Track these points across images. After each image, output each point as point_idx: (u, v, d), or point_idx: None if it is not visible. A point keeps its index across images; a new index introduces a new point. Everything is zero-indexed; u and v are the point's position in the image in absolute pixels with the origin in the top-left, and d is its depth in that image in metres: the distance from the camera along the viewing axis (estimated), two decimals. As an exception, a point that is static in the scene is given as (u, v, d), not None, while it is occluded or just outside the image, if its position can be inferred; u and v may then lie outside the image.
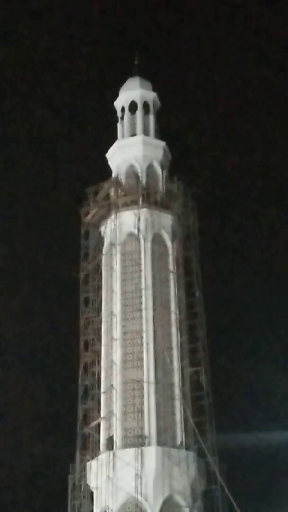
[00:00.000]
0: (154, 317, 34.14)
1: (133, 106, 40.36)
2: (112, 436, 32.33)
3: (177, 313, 34.95)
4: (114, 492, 30.60)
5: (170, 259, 36.19)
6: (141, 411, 32.11)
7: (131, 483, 30.39)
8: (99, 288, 36.16)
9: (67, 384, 41.06)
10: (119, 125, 40.72)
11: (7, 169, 58.59)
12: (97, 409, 33.54)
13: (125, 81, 41.43)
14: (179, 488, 30.98)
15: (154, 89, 41.21)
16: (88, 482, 32.14)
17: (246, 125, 60.50)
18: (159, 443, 31.61)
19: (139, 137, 39.02)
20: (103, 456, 31.61)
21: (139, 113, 40.10)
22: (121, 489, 30.65)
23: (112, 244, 36.17)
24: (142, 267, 35.21)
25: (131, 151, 38.53)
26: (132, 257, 35.72)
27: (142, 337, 33.66)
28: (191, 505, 31.07)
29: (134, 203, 36.66)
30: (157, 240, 36.31)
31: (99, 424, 33.30)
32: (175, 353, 34.04)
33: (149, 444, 31.41)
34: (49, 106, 61.20)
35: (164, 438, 32.07)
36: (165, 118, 42.70)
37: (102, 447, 32.70)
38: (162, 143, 39.26)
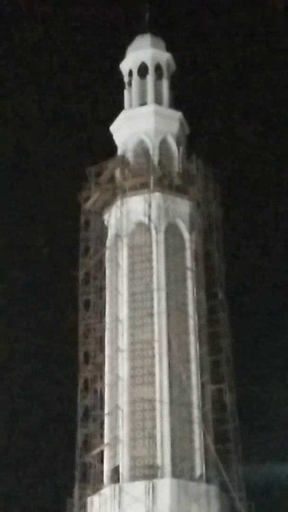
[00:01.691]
0: (168, 323, 34.22)
1: (143, 69, 40.44)
2: (118, 466, 32.47)
3: (196, 319, 35.03)
4: (120, 534, 30.78)
5: (188, 253, 36.26)
6: (152, 437, 32.23)
7: (141, 522, 30.52)
8: (102, 288, 36.28)
9: (64, 404, 41.28)
10: (126, 92, 40.77)
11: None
12: (99, 434, 33.69)
13: (133, 39, 41.44)
14: (198, 529, 31.09)
15: (168, 49, 41.22)
16: (89, 521, 32.30)
17: (277, 85, 60.40)
18: (174, 475, 31.71)
19: (151, 107, 39.06)
20: (107, 490, 31.75)
21: (150, 78, 40.15)
22: (128, 529, 30.82)
23: (117, 236, 36.26)
24: (154, 263, 35.29)
25: (141, 124, 38.59)
26: (141, 251, 35.80)
27: (153, 348, 33.77)
28: None
29: (144, 186, 36.74)
30: (171, 231, 36.38)
31: (102, 452, 33.45)
32: (194, 367, 34.16)
33: (162, 477, 31.51)
34: (43, 71, 61.31)
35: (181, 469, 32.19)
36: (182, 84, 42.79)
37: (105, 479, 32.86)
38: (178, 114, 39.30)
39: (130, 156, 38.13)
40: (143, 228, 36.05)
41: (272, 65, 60.52)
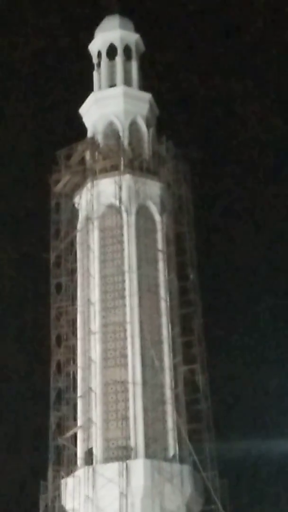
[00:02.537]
0: (140, 305, 34.25)
1: (112, 51, 40.21)
2: (91, 448, 32.54)
3: (168, 300, 35.09)
4: (94, 515, 30.86)
5: (159, 235, 36.25)
6: (125, 418, 32.31)
7: (115, 503, 30.64)
8: (74, 271, 36.18)
9: (37, 387, 41.23)
10: (95, 73, 40.54)
11: None
12: (73, 416, 33.67)
13: (101, 20, 41.13)
14: (172, 508, 31.29)
15: (136, 30, 40.97)
16: (63, 503, 32.37)
17: (245, 68, 60.41)
18: (148, 455, 31.85)
19: (120, 88, 38.89)
20: (81, 472, 31.83)
21: (119, 59, 39.97)
22: (102, 510, 30.94)
23: (88, 219, 36.13)
24: (125, 245, 35.25)
25: (110, 105, 38.42)
26: (112, 233, 35.74)
27: (125, 330, 33.80)
28: (186, 528, 31.44)
29: (114, 168, 36.62)
30: (142, 213, 36.33)
31: (75, 434, 33.47)
32: (166, 348, 34.22)
33: (136, 457, 31.64)
34: (11, 53, 60.58)
35: (154, 450, 32.31)
36: (150, 65, 42.59)
37: (79, 461, 32.92)
38: (148, 95, 39.17)
39: (100, 138, 37.96)
40: (114, 210, 35.97)
41: (244, 44, 60.57)
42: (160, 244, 36.09)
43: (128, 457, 31.55)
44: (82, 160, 37.57)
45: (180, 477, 31.67)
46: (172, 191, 37.43)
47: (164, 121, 40.73)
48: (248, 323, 52.23)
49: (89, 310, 34.58)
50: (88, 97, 39.21)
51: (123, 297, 34.31)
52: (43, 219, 37.91)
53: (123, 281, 34.61)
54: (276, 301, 52.42)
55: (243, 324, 52.09)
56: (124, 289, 34.48)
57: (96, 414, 32.67)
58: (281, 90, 58.44)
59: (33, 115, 59.15)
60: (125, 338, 33.66)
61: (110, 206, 36.08)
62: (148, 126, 38.70)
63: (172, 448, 32.76)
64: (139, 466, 31.18)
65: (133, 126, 38.34)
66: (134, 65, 40.29)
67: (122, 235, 35.55)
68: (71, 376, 34.21)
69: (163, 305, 34.97)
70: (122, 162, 36.48)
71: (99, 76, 40.29)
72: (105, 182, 36.30)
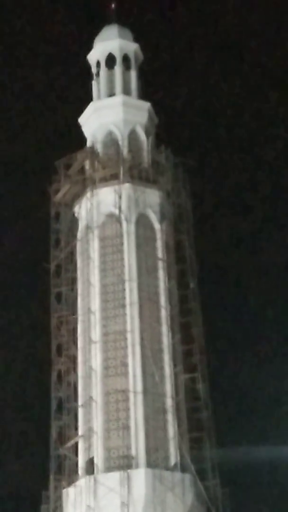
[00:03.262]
0: (140, 314, 34.23)
1: (110, 60, 40.29)
2: (93, 458, 32.47)
3: (168, 309, 35.07)
4: (96, 525, 30.76)
5: (159, 244, 36.26)
6: (126, 427, 32.24)
7: (117, 513, 30.54)
8: (74, 281, 36.16)
9: (37, 397, 41.15)
10: (94, 83, 40.60)
11: None
12: (74, 426, 33.62)
13: (100, 30, 41.22)
14: (173, 518, 31.19)
15: (135, 40, 41.06)
16: (64, 513, 32.28)
17: (243, 78, 60.59)
18: (149, 464, 31.78)
19: (119, 98, 38.94)
20: (82, 481, 31.73)
21: (118, 69, 40.04)
22: (104, 520, 30.83)
23: (88, 228, 36.14)
24: (125, 254, 35.25)
25: (109, 115, 38.47)
26: (112, 242, 35.75)
27: (126, 339, 33.76)
28: (188, 537, 31.34)
29: (114, 177, 36.63)
30: (142, 221, 36.34)
31: (76, 444, 33.40)
32: (166, 357, 34.19)
33: (137, 466, 31.57)
34: (10, 63, 60.78)
35: (155, 459, 32.27)
36: (149, 75, 42.66)
37: (80, 471, 32.83)
38: (147, 104, 39.23)
39: (99, 148, 38.01)
40: (113, 219, 35.97)
41: (245, 50, 60.74)
42: (160, 253, 36.09)
43: (129, 466, 31.48)
44: (82, 170, 37.60)
45: (181, 486, 31.61)
46: (172, 200, 37.44)
47: (163, 130, 40.82)
48: (249, 331, 52.22)
49: (89, 319, 34.55)
50: (88, 107, 39.25)
51: (123, 306, 34.29)
52: (43, 229, 37.94)
53: (124, 290, 34.59)
54: (278, 309, 52.43)
55: (244, 331, 52.09)
56: (124, 298, 34.47)
57: (97, 423, 32.61)
58: (282, 96, 58.51)
59: (32, 125, 59.31)
60: (125, 347, 33.63)
61: (110, 215, 36.09)
62: (147, 134, 38.76)
63: (174, 457, 32.68)
64: (140, 475, 31.10)
65: (132, 135, 38.39)
66: (133, 75, 40.35)
67: (122, 244, 35.56)
68: (72, 386, 34.16)
69: (164, 314, 34.93)
70: (121, 171, 36.49)
71: (98, 86, 40.34)
72: (104, 191, 36.32)
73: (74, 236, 37.09)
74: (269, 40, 59.65)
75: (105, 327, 34.27)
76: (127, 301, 34.32)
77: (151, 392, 33.13)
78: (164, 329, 34.67)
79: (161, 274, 35.65)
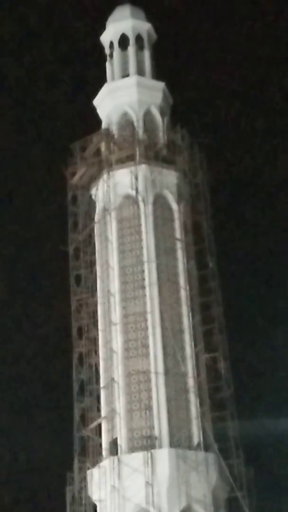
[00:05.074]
0: (160, 295, 34.18)
1: (124, 41, 40.05)
2: (116, 438, 32.59)
3: (188, 289, 35.00)
4: (121, 504, 30.91)
5: (177, 224, 36.14)
6: (149, 408, 32.31)
7: (141, 492, 30.68)
8: (93, 263, 36.16)
9: (59, 380, 41.38)
10: (107, 64, 40.40)
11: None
12: (96, 407, 33.77)
13: (112, 10, 40.94)
14: (198, 497, 31.29)
15: (148, 19, 40.74)
16: (89, 493, 32.47)
17: (259, 53, 59.94)
18: (172, 444, 31.88)
19: (133, 78, 38.70)
20: (106, 462, 31.89)
21: (131, 49, 39.79)
22: (129, 500, 30.96)
23: (105, 210, 36.07)
24: (143, 235, 35.17)
25: (124, 96, 38.26)
26: (130, 224, 35.66)
27: (146, 320, 33.77)
28: (213, 516, 31.44)
29: (130, 158, 36.49)
30: (159, 202, 36.21)
31: (99, 425, 33.54)
32: (187, 337, 34.17)
33: (161, 446, 31.66)
34: (24, 47, 60.56)
35: (178, 439, 32.34)
36: (163, 54, 42.31)
37: (104, 452, 32.99)
38: (161, 84, 38.96)
39: (114, 129, 37.85)
40: (130, 200, 35.86)
41: (256, 34, 60.07)
42: (178, 233, 35.96)
43: (152, 446, 31.57)
44: (98, 152, 37.48)
45: (205, 465, 31.64)
46: (189, 179, 37.27)
47: (178, 110, 40.53)
48: (269, 308, 52.09)
49: (109, 301, 34.55)
50: (102, 89, 39.05)
51: (142, 287, 34.25)
52: (61, 212, 37.93)
53: (142, 271, 34.55)
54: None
55: (264, 309, 51.94)
56: (143, 279, 34.43)
57: (120, 404, 32.69)
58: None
59: (47, 108, 59.18)
60: (146, 328, 33.63)
61: (127, 197, 35.98)
62: (162, 115, 38.51)
63: (196, 436, 32.74)
64: (164, 455, 31.18)
65: (147, 116, 38.18)
66: (146, 55, 40.08)
67: (139, 225, 35.46)
68: (94, 368, 34.25)
69: (183, 294, 34.87)
70: (137, 152, 36.34)
71: (112, 67, 40.13)
72: (121, 173, 36.19)
73: (91, 218, 37.03)
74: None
75: (125, 309, 34.27)
76: (147, 282, 34.28)
77: (172, 372, 33.14)
78: (184, 309, 34.62)
79: (180, 254, 35.55)
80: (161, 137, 37.98)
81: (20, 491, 47.42)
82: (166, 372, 32.94)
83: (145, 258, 34.67)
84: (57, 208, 40.38)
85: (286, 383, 46.88)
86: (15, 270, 55.87)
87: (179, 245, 35.70)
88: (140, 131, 37.30)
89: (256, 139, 59.41)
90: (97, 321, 35.22)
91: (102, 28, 40.91)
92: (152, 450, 31.23)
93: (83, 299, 35.42)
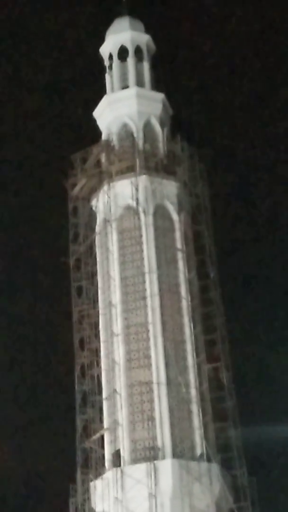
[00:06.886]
0: (161, 305, 34.18)
1: (123, 53, 40.20)
2: (119, 450, 32.52)
3: (189, 299, 35.00)
4: (124, 516, 30.81)
5: (177, 235, 36.17)
6: (151, 419, 32.26)
7: (144, 504, 30.60)
8: (94, 274, 36.18)
9: (62, 391, 41.32)
10: (107, 76, 40.53)
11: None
12: (99, 418, 33.68)
13: (111, 22, 41.11)
14: (201, 508, 31.18)
15: (147, 31, 40.92)
16: (93, 505, 32.35)
17: (259, 65, 60.18)
18: (175, 455, 31.78)
19: (133, 89, 38.85)
20: (109, 474, 31.79)
21: (130, 60, 39.95)
22: (132, 512, 30.90)
23: (106, 221, 36.11)
24: (144, 246, 35.20)
25: (124, 107, 38.41)
26: (131, 235, 35.69)
27: (148, 331, 33.75)
28: (217, 526, 31.35)
29: (130, 169, 36.56)
30: (160, 213, 36.26)
31: (102, 437, 33.46)
32: (189, 347, 34.16)
33: (164, 457, 31.56)
34: (23, 58, 60.78)
35: (181, 449, 32.26)
36: (162, 65, 42.47)
37: (107, 463, 32.89)
38: (161, 95, 39.09)
39: (114, 140, 37.94)
40: (131, 211, 35.91)
41: (257, 42, 60.30)
42: (179, 243, 35.99)
43: (155, 457, 31.48)
44: (98, 163, 37.56)
45: (208, 475, 31.55)
46: (189, 190, 37.33)
47: (178, 120, 40.63)
48: (270, 318, 52.05)
49: (110, 312, 34.55)
50: (102, 100, 39.18)
51: (144, 298, 34.26)
52: (61, 223, 37.99)
53: (144, 282, 34.56)
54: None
55: (266, 319, 51.92)
56: (144, 290, 34.43)
57: (122, 415, 32.62)
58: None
59: (47, 120, 59.33)
60: (147, 339, 33.61)
61: (128, 208, 36.03)
62: (162, 126, 38.63)
63: (199, 447, 32.66)
64: (167, 466, 31.09)
65: (147, 127, 38.30)
66: (145, 66, 40.24)
67: (140, 236, 35.51)
68: (96, 379, 34.21)
69: (185, 304, 34.87)
70: (137, 163, 36.42)
71: (111, 79, 40.27)
72: (121, 184, 36.27)
73: (92, 230, 37.09)
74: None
75: (126, 320, 34.27)
76: (148, 293, 34.28)
77: (174, 383, 33.10)
78: (186, 319, 34.60)
79: (181, 265, 35.58)
80: (161, 147, 38.09)
81: (23, 503, 47.31)
82: (168, 382, 32.90)
83: (146, 268, 34.69)
84: (58, 219, 40.39)
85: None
86: (16, 283, 55.90)
87: (180, 255, 35.73)
88: (140, 142, 37.42)
89: (257, 149, 59.61)
90: (98, 332, 35.20)
91: (102, 40, 41.07)
92: (155, 461, 31.15)
93: (84, 310, 35.42)
